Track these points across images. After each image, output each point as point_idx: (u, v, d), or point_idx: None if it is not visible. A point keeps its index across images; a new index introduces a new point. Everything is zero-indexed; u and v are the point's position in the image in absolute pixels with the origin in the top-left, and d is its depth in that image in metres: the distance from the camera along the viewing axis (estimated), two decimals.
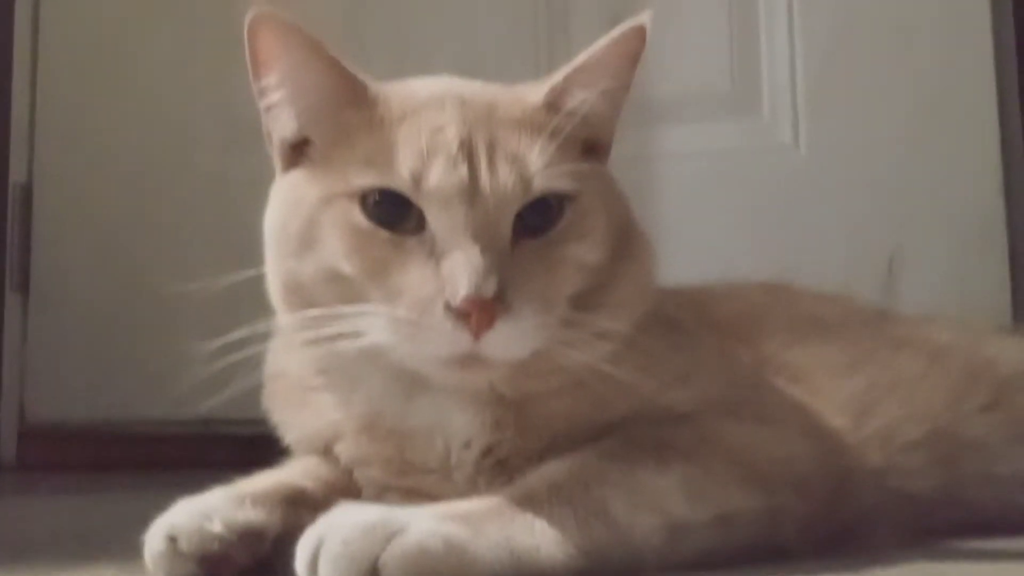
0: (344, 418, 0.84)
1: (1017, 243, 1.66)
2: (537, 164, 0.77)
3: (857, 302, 1.07)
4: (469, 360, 0.73)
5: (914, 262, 1.67)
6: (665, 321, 0.85)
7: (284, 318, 0.82)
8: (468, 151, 0.76)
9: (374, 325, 0.74)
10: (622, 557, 0.72)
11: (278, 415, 0.90)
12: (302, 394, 0.87)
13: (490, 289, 0.71)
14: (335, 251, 0.77)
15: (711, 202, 1.76)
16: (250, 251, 0.84)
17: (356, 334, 0.75)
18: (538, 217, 0.77)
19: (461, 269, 0.71)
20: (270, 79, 0.82)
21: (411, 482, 0.82)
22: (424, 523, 0.67)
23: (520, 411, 0.80)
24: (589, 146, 0.83)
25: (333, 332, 0.75)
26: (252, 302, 0.83)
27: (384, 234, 0.76)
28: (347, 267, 0.76)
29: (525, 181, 0.76)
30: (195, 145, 1.94)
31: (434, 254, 0.74)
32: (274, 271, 0.82)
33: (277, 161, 0.85)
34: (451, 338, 0.72)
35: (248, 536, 0.75)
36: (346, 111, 0.80)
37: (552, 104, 0.81)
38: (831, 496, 0.83)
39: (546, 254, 0.77)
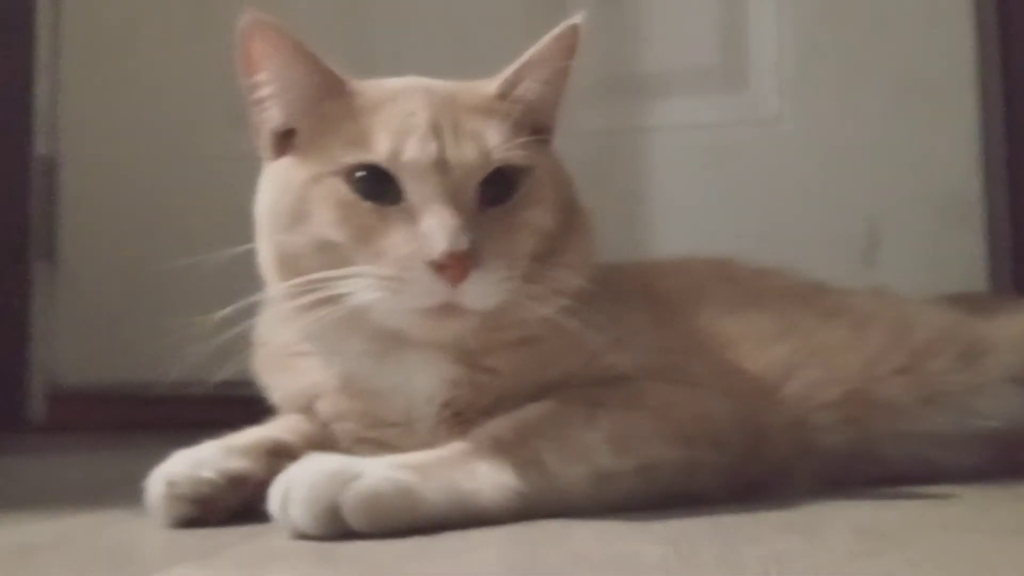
0: (325, 378, 0.94)
1: (994, 215, 1.71)
2: (494, 140, 0.87)
3: (794, 276, 1.14)
4: (446, 309, 0.82)
5: (894, 234, 1.72)
6: (609, 293, 0.93)
7: (276, 288, 0.90)
8: (436, 131, 0.86)
9: (360, 285, 0.83)
10: (554, 501, 0.81)
11: (265, 378, 0.99)
12: (285, 359, 0.96)
13: (464, 243, 0.81)
14: (325, 222, 0.86)
15: (698, 172, 1.82)
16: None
17: (343, 296, 0.84)
18: (498, 188, 0.88)
19: (437, 228, 0.81)
20: (260, 77, 0.91)
21: (381, 434, 0.92)
22: (378, 470, 0.76)
23: (474, 370, 0.89)
24: (536, 129, 0.93)
25: (323, 296, 0.84)
26: (253, 274, 0.92)
27: (368, 205, 0.85)
28: (337, 235, 0.85)
29: (485, 154, 0.86)
30: (199, 125, 1.99)
31: (412, 218, 0.83)
32: (266, 246, 0.91)
33: (265, 150, 0.94)
34: (431, 289, 0.81)
35: (235, 482, 0.85)
36: (328, 103, 0.90)
37: (504, 94, 0.92)
38: (747, 449, 0.91)
39: (507, 219, 0.87)
